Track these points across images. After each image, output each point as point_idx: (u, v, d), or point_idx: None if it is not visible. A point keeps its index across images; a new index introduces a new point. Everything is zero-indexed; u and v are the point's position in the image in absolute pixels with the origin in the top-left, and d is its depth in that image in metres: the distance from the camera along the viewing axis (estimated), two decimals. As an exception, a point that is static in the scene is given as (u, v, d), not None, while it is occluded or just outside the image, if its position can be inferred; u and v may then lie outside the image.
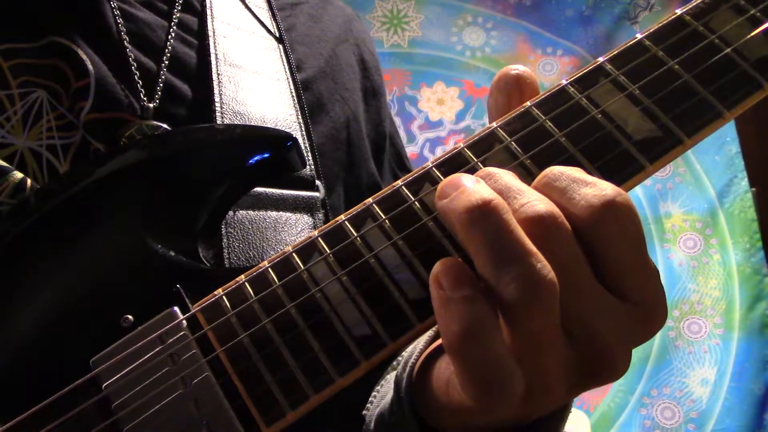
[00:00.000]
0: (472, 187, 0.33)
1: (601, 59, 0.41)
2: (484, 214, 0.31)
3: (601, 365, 0.33)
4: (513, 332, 0.31)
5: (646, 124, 0.38)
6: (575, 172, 0.34)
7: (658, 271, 0.34)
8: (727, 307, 2.00)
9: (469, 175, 0.34)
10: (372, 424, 0.46)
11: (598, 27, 2.24)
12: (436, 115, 2.24)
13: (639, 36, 0.41)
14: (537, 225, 0.32)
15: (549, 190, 0.34)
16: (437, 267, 0.33)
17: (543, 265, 0.30)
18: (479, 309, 0.31)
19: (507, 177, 0.35)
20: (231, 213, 0.53)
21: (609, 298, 0.33)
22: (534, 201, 0.33)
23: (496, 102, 0.42)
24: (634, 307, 0.33)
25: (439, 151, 2.16)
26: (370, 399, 0.52)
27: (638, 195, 2.08)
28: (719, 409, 1.92)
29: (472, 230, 0.32)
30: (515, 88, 0.41)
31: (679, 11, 0.42)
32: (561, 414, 0.40)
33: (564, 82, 0.41)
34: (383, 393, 0.50)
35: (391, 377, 0.52)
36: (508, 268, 0.30)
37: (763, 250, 2.02)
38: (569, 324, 0.32)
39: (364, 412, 0.50)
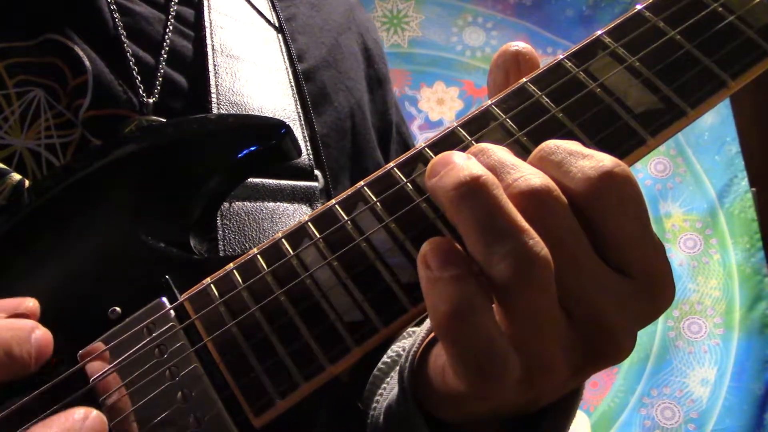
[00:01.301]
0: (462, 164, 0.32)
1: (599, 32, 0.40)
2: (472, 190, 0.30)
3: (605, 346, 0.32)
4: (507, 314, 0.30)
5: (647, 97, 0.37)
6: (572, 145, 0.33)
7: (663, 246, 0.33)
8: (727, 307, 2.00)
9: (461, 152, 0.33)
10: (381, 418, 0.45)
11: (598, 27, 2.21)
12: (436, 115, 2.23)
13: (638, 7, 0.40)
14: (531, 199, 0.31)
15: (545, 164, 0.33)
16: (425, 246, 0.32)
17: (536, 241, 0.29)
18: (468, 288, 0.30)
19: (500, 152, 0.34)
20: (226, 204, 0.52)
21: (610, 274, 0.32)
22: (528, 175, 0.32)
23: (494, 79, 0.41)
24: (638, 284, 0.32)
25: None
26: (379, 392, 0.51)
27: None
28: (719, 409, 1.91)
29: (461, 208, 0.31)
30: (514, 64, 0.40)
31: None
32: (571, 400, 0.38)
33: (561, 56, 0.40)
34: (392, 385, 0.49)
35: None
36: (499, 245, 0.29)
37: (763, 250, 2.02)
38: (569, 303, 0.31)
39: (373, 404, 0.49)
